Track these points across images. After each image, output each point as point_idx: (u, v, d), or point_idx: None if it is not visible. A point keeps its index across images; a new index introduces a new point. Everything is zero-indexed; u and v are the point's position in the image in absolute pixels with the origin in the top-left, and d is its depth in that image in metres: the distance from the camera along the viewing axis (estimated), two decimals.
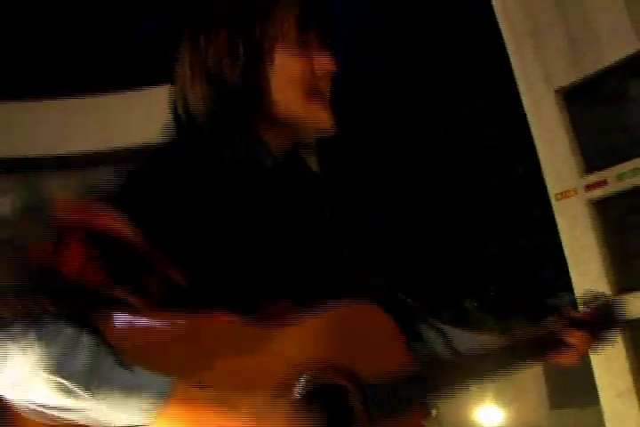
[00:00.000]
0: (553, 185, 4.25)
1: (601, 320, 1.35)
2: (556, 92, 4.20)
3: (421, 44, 11.42)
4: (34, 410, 0.76)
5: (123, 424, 0.75)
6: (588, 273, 4.04)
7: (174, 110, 1.04)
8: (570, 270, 4.15)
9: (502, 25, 4.53)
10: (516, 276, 10.30)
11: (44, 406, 0.75)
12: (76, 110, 5.73)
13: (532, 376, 6.12)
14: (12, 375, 0.75)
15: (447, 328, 1.22)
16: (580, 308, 1.36)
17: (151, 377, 0.77)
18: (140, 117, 5.75)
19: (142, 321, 0.83)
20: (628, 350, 3.86)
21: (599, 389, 4.04)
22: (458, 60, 10.61)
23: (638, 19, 3.82)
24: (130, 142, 5.71)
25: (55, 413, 0.76)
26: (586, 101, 4.12)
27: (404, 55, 11.75)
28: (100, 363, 0.76)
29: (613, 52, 3.91)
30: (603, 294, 1.40)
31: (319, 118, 1.05)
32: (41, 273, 0.78)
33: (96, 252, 0.80)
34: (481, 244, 10.66)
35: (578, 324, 1.30)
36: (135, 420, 0.75)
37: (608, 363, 3.98)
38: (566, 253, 4.17)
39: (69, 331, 0.77)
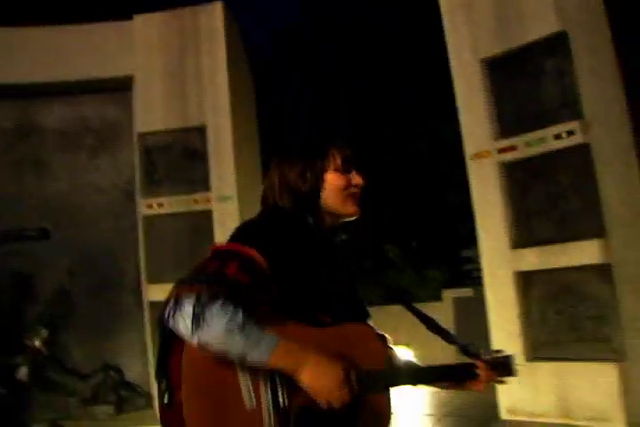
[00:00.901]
0: (469, 146, 4.59)
1: (503, 367, 1.86)
2: (481, 61, 4.52)
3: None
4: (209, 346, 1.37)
5: (253, 359, 1.38)
6: (491, 228, 4.45)
7: (266, 201, 1.77)
8: (476, 225, 4.56)
9: None
10: (436, 228, 10.81)
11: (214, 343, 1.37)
12: (20, 41, 5.74)
13: (440, 322, 6.61)
14: (212, 327, 1.36)
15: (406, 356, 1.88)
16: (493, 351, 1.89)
17: (267, 335, 1.40)
18: (81, 52, 5.80)
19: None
20: (518, 299, 4.34)
21: (492, 331, 4.51)
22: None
23: (560, 5, 4.15)
24: (73, 75, 5.79)
25: (221, 347, 1.37)
26: (507, 73, 4.43)
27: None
28: (246, 323, 1.39)
29: (535, 31, 4.24)
30: (508, 353, 1.91)
31: (350, 211, 1.76)
32: (217, 275, 1.44)
33: (243, 265, 1.47)
34: (407, 196, 11.08)
35: (489, 364, 1.82)
36: (258, 356, 1.39)
37: (501, 310, 4.46)
38: (475, 209, 4.55)
39: (235, 310, 1.39)
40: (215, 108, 5.60)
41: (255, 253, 1.50)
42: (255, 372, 1.42)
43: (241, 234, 1.60)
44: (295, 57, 13.62)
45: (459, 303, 9.44)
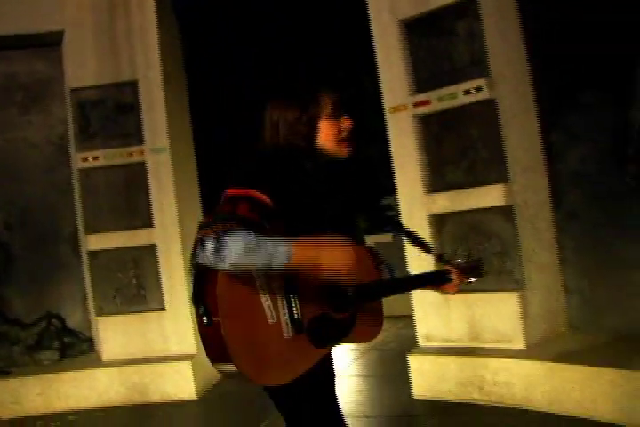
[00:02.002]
0: (388, 100, 4.93)
1: (472, 270, 2.33)
2: (399, 21, 4.82)
3: None
4: (238, 267, 1.61)
5: (278, 264, 1.63)
6: (408, 176, 4.86)
7: (263, 140, 2.01)
8: (394, 173, 4.95)
9: None
10: (358, 177, 11.19)
11: (241, 264, 1.60)
12: None
13: None
14: (234, 252, 1.59)
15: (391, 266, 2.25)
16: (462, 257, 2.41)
17: (280, 243, 1.65)
18: (9, 6, 5.79)
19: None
20: (432, 239, 4.75)
21: (409, 269, 4.90)
22: None
23: None
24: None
25: (248, 265, 1.61)
26: (423, 33, 4.75)
27: None
28: (259, 239, 1.63)
29: None
30: (479, 257, 2.45)
31: (342, 153, 2.03)
32: (230, 214, 1.68)
33: (252, 206, 1.71)
34: None
35: (460, 269, 2.28)
36: (280, 261, 1.63)
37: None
38: (393, 158, 4.93)
39: (248, 233, 1.62)
40: (146, 63, 5.74)
41: (261, 194, 1.74)
42: (273, 294, 1.72)
43: (246, 178, 1.83)
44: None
45: (379, 248, 9.95)
